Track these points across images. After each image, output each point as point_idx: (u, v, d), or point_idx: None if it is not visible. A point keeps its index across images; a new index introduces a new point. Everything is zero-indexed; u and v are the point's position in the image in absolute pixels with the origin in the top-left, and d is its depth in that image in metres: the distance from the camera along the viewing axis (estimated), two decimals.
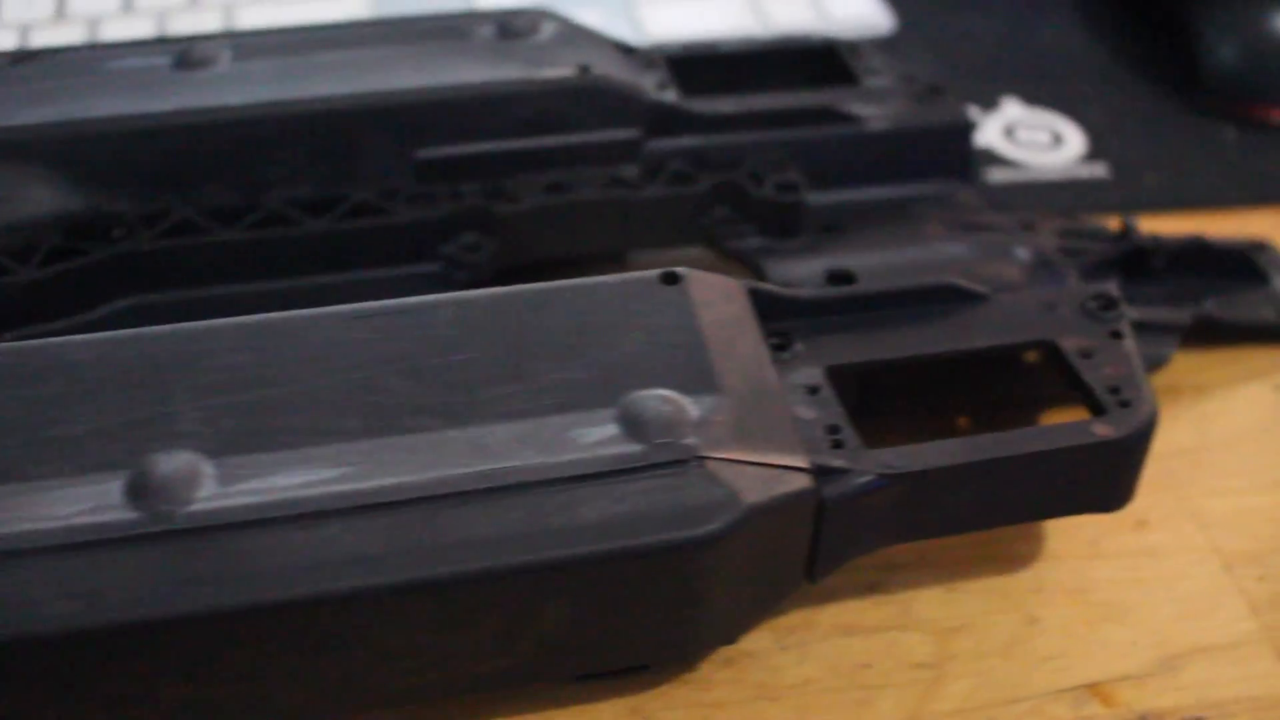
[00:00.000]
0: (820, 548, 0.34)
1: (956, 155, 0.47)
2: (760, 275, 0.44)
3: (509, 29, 0.46)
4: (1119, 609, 0.38)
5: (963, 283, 0.39)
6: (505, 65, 0.44)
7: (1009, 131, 0.55)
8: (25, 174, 0.41)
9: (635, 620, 0.33)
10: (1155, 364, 0.43)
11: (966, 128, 0.47)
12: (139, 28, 0.57)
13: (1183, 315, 0.44)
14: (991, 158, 0.54)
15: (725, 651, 0.36)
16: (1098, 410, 0.36)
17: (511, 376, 0.33)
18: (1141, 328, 0.43)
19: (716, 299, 0.36)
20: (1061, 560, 0.39)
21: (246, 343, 0.34)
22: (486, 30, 0.46)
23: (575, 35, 0.46)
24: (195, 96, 0.42)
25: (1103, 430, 0.35)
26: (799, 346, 0.37)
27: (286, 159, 0.42)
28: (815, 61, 0.50)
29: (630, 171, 0.44)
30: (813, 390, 0.36)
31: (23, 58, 0.44)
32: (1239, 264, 0.47)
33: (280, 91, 0.42)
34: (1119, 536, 0.40)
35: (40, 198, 0.41)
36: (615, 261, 0.47)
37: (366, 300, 0.43)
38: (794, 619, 0.37)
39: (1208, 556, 0.40)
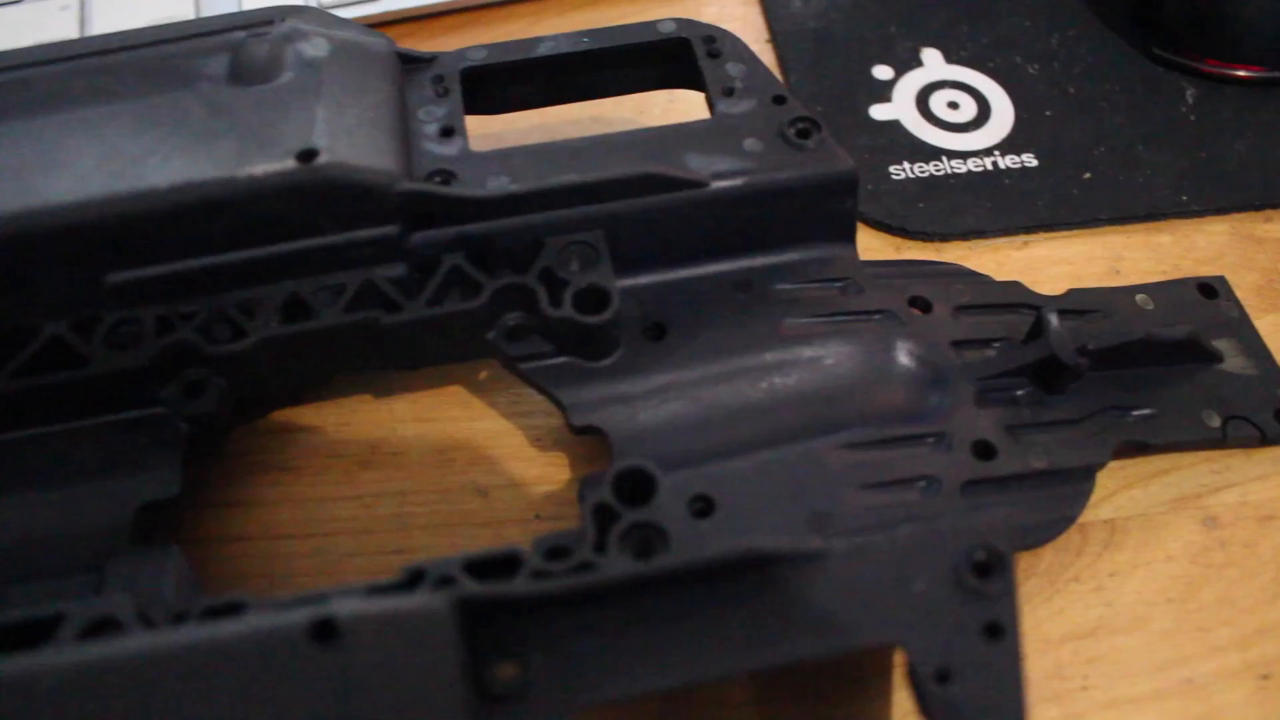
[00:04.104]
0: None
1: (833, 216, 0.26)
2: (557, 406, 0.25)
3: (244, 65, 0.24)
4: None
5: (785, 543, 0.20)
6: (212, 149, 0.23)
7: (923, 99, 0.33)
8: None
9: None
10: (1058, 530, 0.24)
11: (850, 183, 0.25)
12: None
13: (1101, 454, 0.25)
14: (897, 137, 0.32)
15: None
16: None
17: None
18: (1045, 477, 0.24)
19: (399, 653, 0.18)
20: None
21: None
22: (217, 66, 0.25)
23: (330, 67, 0.25)
24: None
25: None
26: (537, 666, 0.19)
27: None
28: (662, 59, 0.28)
29: (396, 271, 0.24)
30: None
31: None
32: (1185, 347, 0.26)
33: None
34: None
35: None
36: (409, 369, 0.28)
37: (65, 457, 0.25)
38: None
39: None
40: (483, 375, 0.28)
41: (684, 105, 0.33)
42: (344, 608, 0.18)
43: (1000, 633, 0.19)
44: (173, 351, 0.24)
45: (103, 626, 0.21)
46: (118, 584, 0.22)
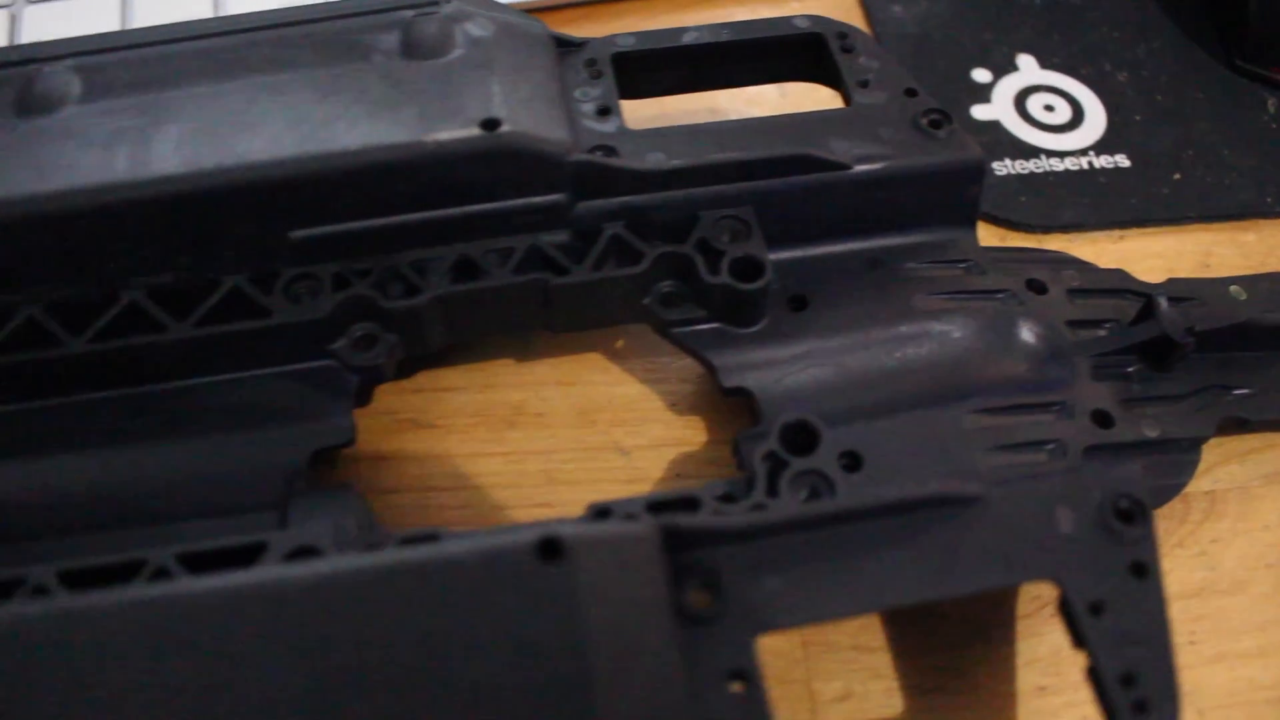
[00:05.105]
0: None
1: (961, 201, 0.28)
2: (708, 369, 0.26)
3: (416, 41, 0.26)
4: None
5: (951, 489, 0.22)
6: (395, 115, 0.25)
7: (1020, 101, 0.35)
8: None
9: None
10: (1168, 495, 0.26)
11: (978, 171, 0.27)
12: None
13: (1206, 427, 0.27)
14: (999, 135, 0.34)
15: None
16: (1107, 710, 0.20)
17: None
18: (1156, 446, 0.26)
19: (614, 573, 0.19)
20: None
21: None
22: (389, 41, 0.27)
23: (497, 46, 0.27)
24: (35, 177, 0.24)
25: None
26: (730, 592, 0.21)
27: (136, 248, 0.25)
28: (796, 53, 0.30)
29: (559, 237, 0.26)
30: (738, 675, 0.20)
31: None
32: None
33: (124, 163, 0.24)
34: None
35: None
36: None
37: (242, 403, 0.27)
38: None
39: None
40: (619, 344, 0.30)
41: (795, 99, 0.35)
42: (566, 529, 0.19)
43: (1145, 571, 0.21)
44: (350, 306, 0.25)
45: (303, 554, 0.22)
46: (301, 521, 0.24)
